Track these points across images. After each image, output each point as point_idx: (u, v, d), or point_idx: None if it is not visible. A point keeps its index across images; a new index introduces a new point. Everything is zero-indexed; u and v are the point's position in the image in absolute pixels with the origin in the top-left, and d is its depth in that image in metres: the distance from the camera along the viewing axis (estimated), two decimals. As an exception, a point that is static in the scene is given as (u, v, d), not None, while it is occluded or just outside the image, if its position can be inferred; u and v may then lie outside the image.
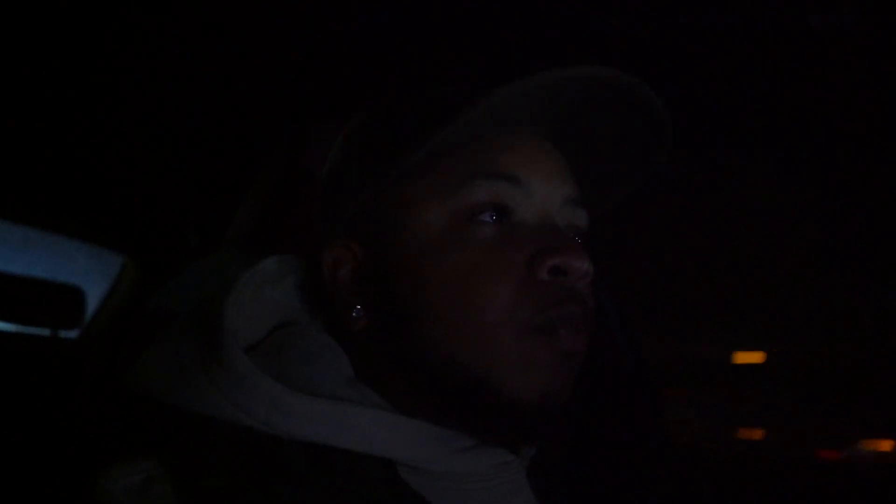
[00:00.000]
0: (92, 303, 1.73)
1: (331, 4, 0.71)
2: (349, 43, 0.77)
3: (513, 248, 0.46)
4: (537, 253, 0.45)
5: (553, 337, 0.45)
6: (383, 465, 0.45)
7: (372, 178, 0.49)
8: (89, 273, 1.77)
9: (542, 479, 0.51)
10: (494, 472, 0.47)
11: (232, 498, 0.41)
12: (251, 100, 0.95)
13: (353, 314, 0.49)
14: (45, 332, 1.63)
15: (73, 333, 1.71)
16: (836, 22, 0.64)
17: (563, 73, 0.44)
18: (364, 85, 0.83)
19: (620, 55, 0.70)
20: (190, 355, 0.46)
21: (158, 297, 0.54)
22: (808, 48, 0.68)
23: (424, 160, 0.47)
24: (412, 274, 0.46)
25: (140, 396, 0.47)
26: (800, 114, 0.76)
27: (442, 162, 0.47)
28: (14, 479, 1.08)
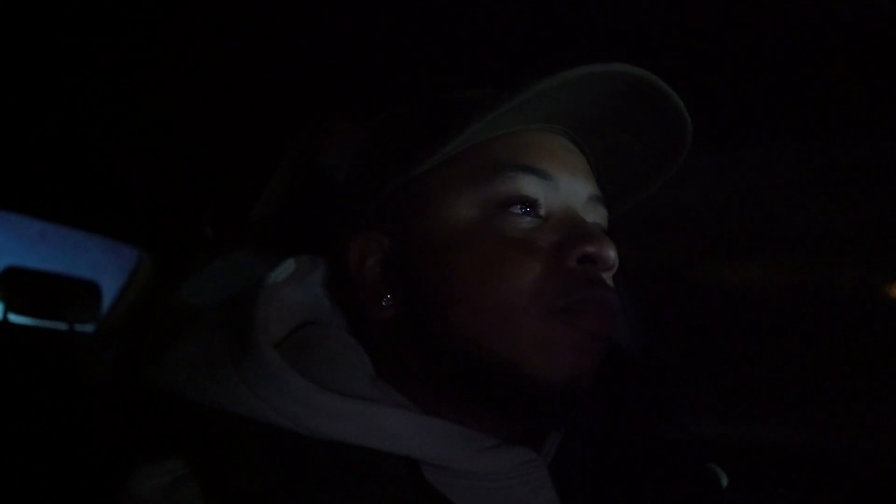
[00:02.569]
0: (108, 296, 1.75)
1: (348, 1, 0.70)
2: (366, 37, 0.77)
3: (542, 237, 0.47)
4: (566, 241, 0.46)
5: (579, 317, 0.45)
6: (408, 464, 0.45)
7: (400, 170, 0.49)
8: (105, 267, 1.78)
9: (564, 475, 0.51)
10: (517, 470, 0.47)
11: (260, 499, 0.41)
12: (265, 93, 0.95)
13: (383, 303, 0.48)
14: (62, 325, 1.64)
15: (89, 327, 1.72)
16: (865, 15, 0.63)
17: (588, 70, 0.45)
18: (382, 79, 0.82)
19: (644, 46, 0.70)
20: (219, 352, 0.46)
21: (180, 293, 0.54)
22: (837, 41, 0.66)
23: (454, 153, 0.47)
24: (441, 262, 0.47)
25: (167, 393, 0.47)
26: (826, 107, 0.75)
27: (471, 155, 0.48)
28: (35, 476, 1.08)
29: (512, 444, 0.47)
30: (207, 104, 1.02)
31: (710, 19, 0.63)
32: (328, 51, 0.81)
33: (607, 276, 0.48)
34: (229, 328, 0.47)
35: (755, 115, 0.74)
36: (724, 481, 0.59)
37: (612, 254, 0.46)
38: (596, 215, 0.51)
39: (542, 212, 0.48)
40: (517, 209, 0.47)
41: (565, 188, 0.48)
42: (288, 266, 0.52)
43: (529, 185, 0.47)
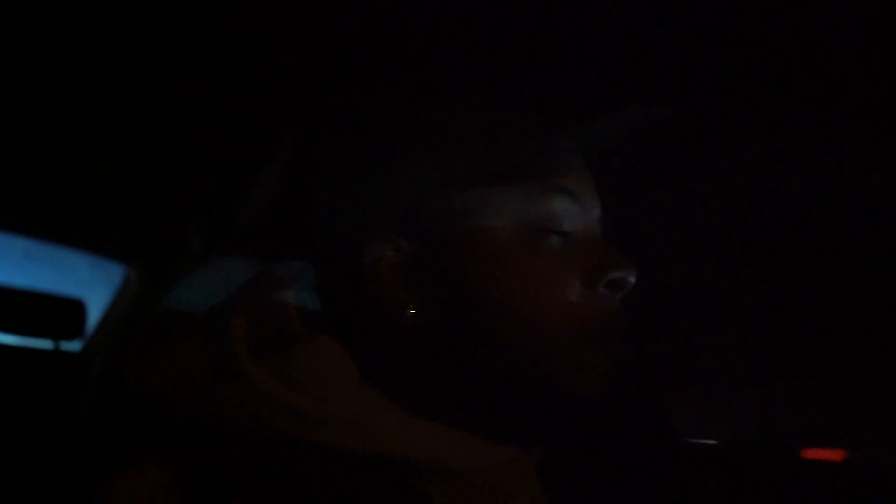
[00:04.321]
0: (94, 313, 1.73)
1: (338, 2, 0.70)
2: (348, 43, 0.77)
3: (574, 259, 0.48)
4: (597, 266, 0.48)
5: (611, 343, 0.47)
6: (394, 466, 0.44)
7: (436, 178, 0.49)
8: (91, 284, 1.76)
9: (553, 475, 0.51)
10: (505, 470, 0.47)
11: None
12: (251, 103, 0.95)
13: (411, 307, 0.48)
14: (47, 344, 1.62)
15: (75, 345, 1.70)
16: (840, 21, 0.64)
17: (638, 115, 0.48)
18: (366, 89, 0.82)
19: (625, 50, 0.71)
20: (200, 361, 0.46)
21: (167, 299, 0.54)
22: (814, 46, 0.68)
23: (491, 169, 0.48)
24: (482, 277, 0.47)
25: (149, 401, 0.46)
26: (806, 111, 0.76)
27: (511, 171, 0.49)
28: (20, 489, 1.07)
29: (501, 444, 0.47)
30: (193, 115, 1.02)
31: (686, 23, 0.64)
32: (312, 61, 0.81)
33: (621, 297, 0.50)
34: (210, 335, 0.47)
35: (740, 117, 0.75)
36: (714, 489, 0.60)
37: (634, 278, 0.48)
38: (600, 232, 0.52)
39: (572, 234, 0.49)
40: (552, 229, 0.48)
41: (588, 209, 0.50)
42: (273, 271, 0.52)
43: (564, 207, 0.48)
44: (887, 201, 0.86)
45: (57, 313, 1.65)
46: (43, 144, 1.16)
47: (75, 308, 1.68)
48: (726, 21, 0.63)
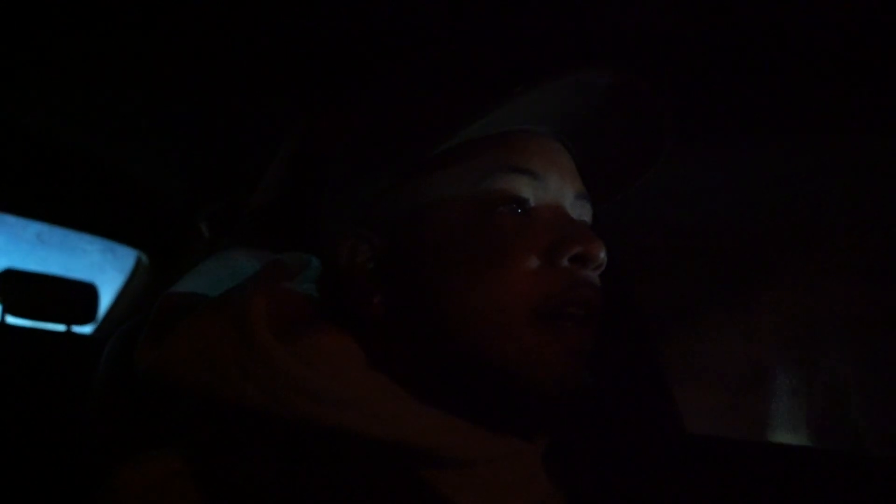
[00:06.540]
0: (106, 297, 1.75)
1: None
2: (358, 29, 0.77)
3: (533, 236, 0.47)
4: (557, 241, 0.47)
5: (567, 325, 0.46)
6: (403, 451, 0.45)
7: (389, 170, 0.49)
8: (103, 268, 1.78)
9: (558, 465, 0.52)
10: (510, 459, 0.47)
11: (257, 491, 0.41)
12: (261, 91, 0.95)
13: (376, 301, 0.49)
14: (60, 327, 1.65)
15: (87, 329, 1.73)
16: (842, 17, 0.64)
17: (583, 76, 0.46)
18: (373, 70, 0.82)
19: (626, 47, 0.70)
20: (217, 344, 0.46)
21: (176, 288, 0.55)
22: (818, 43, 0.67)
23: (444, 152, 0.48)
24: (435, 262, 0.47)
25: (162, 386, 0.47)
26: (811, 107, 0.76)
27: (460, 155, 0.48)
28: (32, 472, 1.09)
29: (505, 434, 0.48)
30: (204, 102, 1.03)
31: (691, 20, 0.64)
32: (321, 48, 0.81)
33: (595, 274, 0.48)
34: (227, 321, 0.47)
35: (739, 114, 0.75)
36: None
37: (601, 252, 0.47)
38: (583, 213, 0.52)
39: (532, 211, 0.48)
40: (508, 209, 0.47)
41: (554, 187, 0.49)
42: (283, 261, 0.53)
43: (520, 186, 0.48)
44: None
45: (69, 297, 1.67)
46: (56, 132, 1.17)
47: (87, 292, 1.70)
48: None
